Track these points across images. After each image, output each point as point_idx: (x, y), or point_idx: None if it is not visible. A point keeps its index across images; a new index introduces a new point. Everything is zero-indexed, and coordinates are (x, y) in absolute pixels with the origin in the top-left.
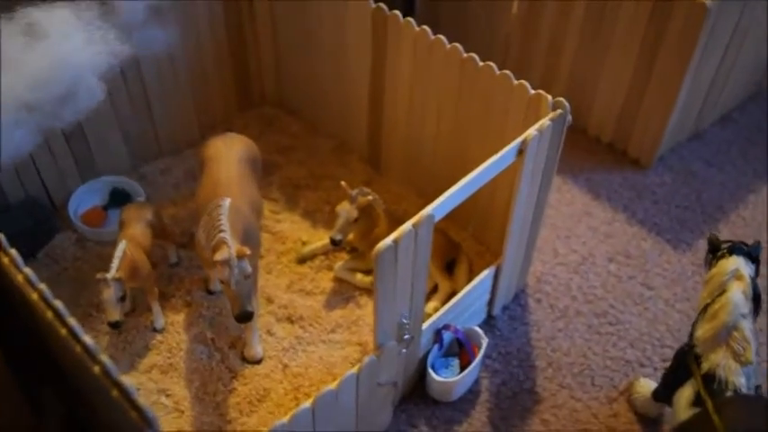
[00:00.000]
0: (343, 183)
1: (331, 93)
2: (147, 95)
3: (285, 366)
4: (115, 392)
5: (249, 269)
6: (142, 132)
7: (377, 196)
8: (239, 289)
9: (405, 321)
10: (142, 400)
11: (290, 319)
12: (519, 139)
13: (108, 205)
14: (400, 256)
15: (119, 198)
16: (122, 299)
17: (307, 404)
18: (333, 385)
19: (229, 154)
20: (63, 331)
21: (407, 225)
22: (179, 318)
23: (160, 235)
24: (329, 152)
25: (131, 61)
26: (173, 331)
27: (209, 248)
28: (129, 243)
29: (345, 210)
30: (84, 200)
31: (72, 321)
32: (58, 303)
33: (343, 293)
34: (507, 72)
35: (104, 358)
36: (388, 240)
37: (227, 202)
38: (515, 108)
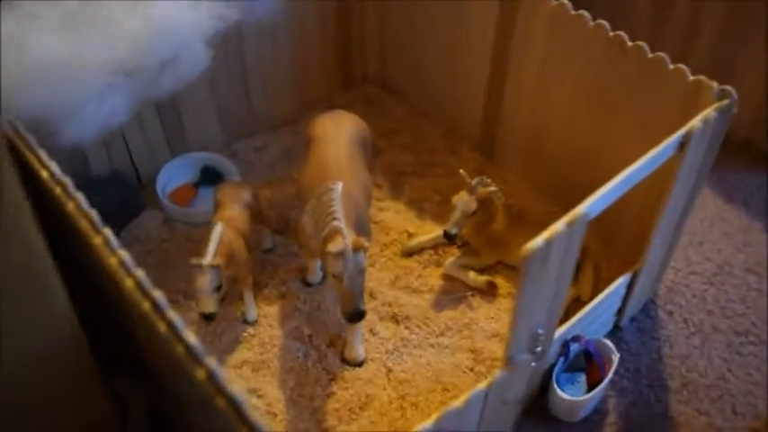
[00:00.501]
0: (462, 171)
1: (442, 73)
2: (246, 67)
3: (389, 371)
4: (221, 401)
5: (364, 263)
6: (237, 106)
7: (497, 188)
8: (353, 285)
9: (540, 332)
10: (253, 414)
11: (394, 319)
12: (681, 131)
13: (198, 183)
14: (550, 258)
15: (210, 176)
16: (218, 288)
17: (428, 425)
18: (458, 403)
19: (339, 133)
20: (161, 326)
21: (560, 224)
22: (272, 310)
23: (257, 218)
24: (437, 138)
25: (233, 31)
26: (266, 325)
27: (319, 237)
28: (227, 226)
29: (463, 201)
30: (174, 177)
31: (173, 316)
32: (158, 294)
33: (453, 293)
34: (662, 55)
35: (211, 362)
36: (539, 241)
37: (339, 186)
38: (669, 96)
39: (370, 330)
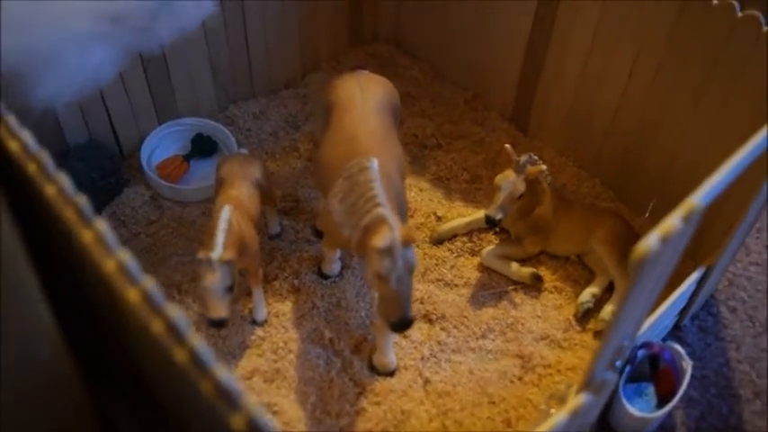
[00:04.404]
0: (507, 146)
1: (468, 30)
2: (245, 20)
3: (426, 381)
4: (238, 421)
5: (415, 260)
6: (234, 66)
7: (545, 167)
8: (401, 287)
9: (626, 344)
10: None
11: (428, 318)
12: None
13: (190, 155)
14: (661, 259)
15: (203, 146)
16: (230, 288)
17: None
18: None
19: (367, 99)
20: (156, 326)
21: (675, 219)
22: (285, 308)
23: (265, 198)
24: (460, 104)
25: None
26: (278, 326)
27: (354, 227)
28: (235, 209)
29: (510, 181)
30: (160, 147)
31: (174, 313)
32: (149, 282)
33: (492, 287)
34: (755, 13)
35: (222, 372)
36: (654, 240)
37: (376, 163)
38: (754, 71)
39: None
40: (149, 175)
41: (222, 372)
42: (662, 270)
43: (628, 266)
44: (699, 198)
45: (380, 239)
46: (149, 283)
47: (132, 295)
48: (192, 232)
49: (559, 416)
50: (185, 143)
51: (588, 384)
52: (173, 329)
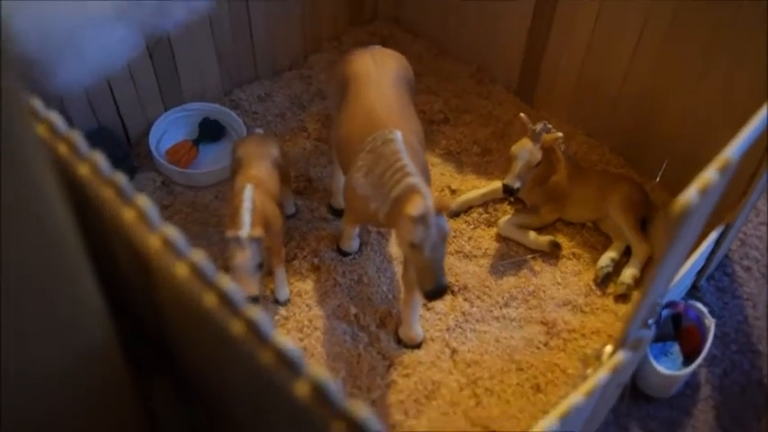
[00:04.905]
0: (522, 115)
1: (471, 5)
2: (248, 3)
3: (454, 351)
4: (302, 387)
5: (447, 228)
6: (237, 49)
7: (561, 135)
8: (435, 255)
9: (659, 302)
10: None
11: (450, 290)
12: None
13: (198, 139)
14: (698, 213)
15: (211, 130)
16: (260, 266)
17: (553, 425)
18: (578, 395)
19: (382, 73)
20: (209, 300)
21: (712, 173)
22: (307, 286)
23: (283, 178)
24: (465, 78)
25: None
26: (301, 304)
27: (384, 199)
28: (256, 188)
29: (527, 150)
30: (168, 132)
31: (228, 285)
32: (198, 255)
33: (511, 256)
34: None
35: (286, 343)
36: (693, 193)
37: (400, 134)
38: (767, 30)
39: (425, 305)
40: (159, 161)
41: (282, 339)
42: (696, 225)
43: (654, 227)
44: (733, 150)
45: (414, 207)
46: (198, 255)
47: (181, 270)
48: (207, 216)
49: (600, 374)
50: (193, 128)
51: (624, 342)
52: (227, 301)
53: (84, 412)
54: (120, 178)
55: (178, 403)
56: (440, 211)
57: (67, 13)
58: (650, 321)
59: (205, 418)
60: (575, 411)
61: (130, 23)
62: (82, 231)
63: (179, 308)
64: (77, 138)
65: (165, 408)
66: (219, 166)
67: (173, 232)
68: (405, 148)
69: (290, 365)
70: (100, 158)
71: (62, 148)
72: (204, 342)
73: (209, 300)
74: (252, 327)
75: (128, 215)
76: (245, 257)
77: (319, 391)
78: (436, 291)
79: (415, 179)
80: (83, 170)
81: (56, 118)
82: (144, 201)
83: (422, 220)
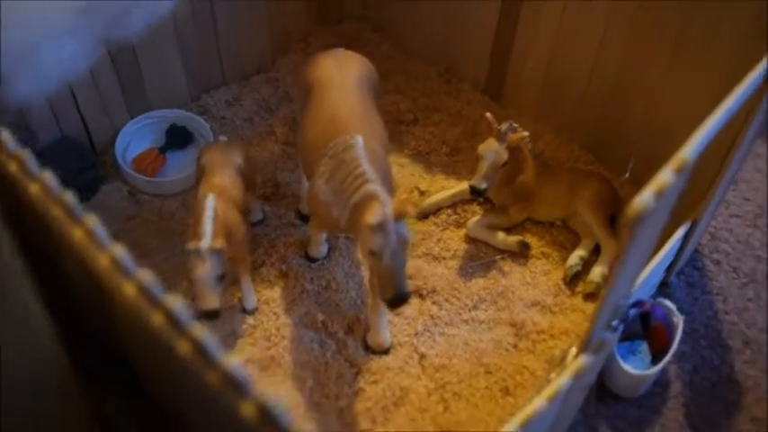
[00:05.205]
0: (488, 115)
1: (438, 4)
2: (213, 7)
3: (422, 356)
4: (248, 408)
5: (407, 234)
6: (203, 54)
7: (527, 134)
8: (395, 262)
9: (622, 303)
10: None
11: (419, 293)
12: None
13: (165, 147)
14: (657, 215)
15: (178, 137)
16: (221, 278)
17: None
18: (541, 400)
19: (345, 76)
20: (157, 319)
21: (667, 174)
22: (274, 294)
23: (247, 185)
24: (434, 78)
25: None
26: (268, 312)
27: (344, 206)
28: (219, 197)
29: (493, 150)
30: (135, 140)
31: (175, 305)
32: (145, 275)
33: (480, 258)
34: None
35: (232, 364)
36: (648, 195)
37: (360, 139)
38: (731, 26)
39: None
40: (126, 171)
41: (229, 360)
42: (655, 226)
43: (620, 225)
44: (689, 151)
45: (373, 215)
46: (145, 275)
47: (129, 289)
48: (173, 225)
49: (562, 379)
50: (159, 135)
51: (587, 345)
52: (173, 321)
53: (30, 419)
54: (70, 197)
55: (133, 409)
56: (399, 217)
57: (23, 28)
58: (615, 323)
59: (160, 424)
60: (538, 417)
61: (86, 36)
62: (37, 245)
63: (130, 324)
64: (27, 156)
65: (120, 413)
66: (186, 174)
67: (120, 252)
68: (365, 154)
69: (236, 387)
70: (49, 177)
71: (12, 167)
72: (156, 357)
73: (157, 319)
74: (198, 347)
75: (77, 234)
76: (205, 270)
77: (265, 413)
78: (397, 299)
79: (375, 186)
80: (33, 189)
81: (6, 136)
82: (92, 220)
83: (380, 227)
